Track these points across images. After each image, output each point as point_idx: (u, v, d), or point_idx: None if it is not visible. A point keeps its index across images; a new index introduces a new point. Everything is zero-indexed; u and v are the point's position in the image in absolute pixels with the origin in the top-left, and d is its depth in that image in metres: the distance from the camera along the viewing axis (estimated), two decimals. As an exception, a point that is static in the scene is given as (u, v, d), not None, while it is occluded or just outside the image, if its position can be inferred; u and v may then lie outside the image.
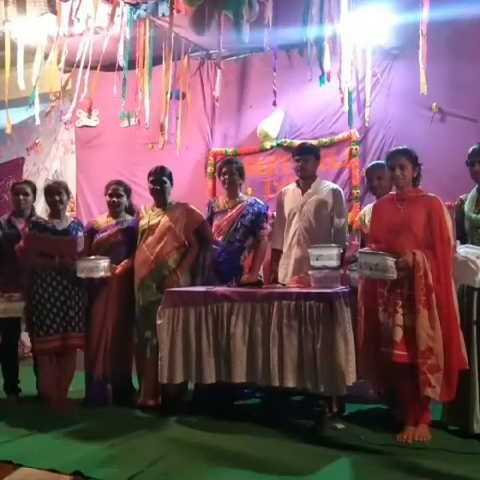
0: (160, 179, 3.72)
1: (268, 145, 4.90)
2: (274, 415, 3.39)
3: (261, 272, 3.92)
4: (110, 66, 4.48)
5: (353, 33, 3.70)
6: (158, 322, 3.32)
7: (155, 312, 3.37)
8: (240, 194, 3.92)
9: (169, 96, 4.36)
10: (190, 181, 5.14)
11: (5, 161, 6.51)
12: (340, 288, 3.10)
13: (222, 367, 3.16)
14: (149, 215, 3.75)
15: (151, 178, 3.74)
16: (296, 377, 2.98)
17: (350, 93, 3.98)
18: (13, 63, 4.30)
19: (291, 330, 2.99)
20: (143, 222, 3.74)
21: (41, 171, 6.08)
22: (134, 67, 4.52)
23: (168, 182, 3.75)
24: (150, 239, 3.66)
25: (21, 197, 3.98)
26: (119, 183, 3.91)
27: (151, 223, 3.70)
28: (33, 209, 4.08)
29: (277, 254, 3.84)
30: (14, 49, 4.30)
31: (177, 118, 4.83)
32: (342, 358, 2.85)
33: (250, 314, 3.12)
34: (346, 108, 3.96)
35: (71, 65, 4.51)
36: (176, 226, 3.66)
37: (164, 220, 3.69)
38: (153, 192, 3.76)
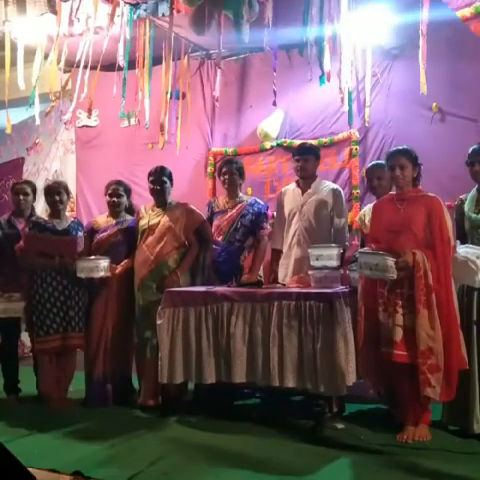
0: (160, 179, 3.72)
1: (268, 145, 4.90)
2: (274, 415, 3.39)
3: (261, 272, 3.92)
4: (110, 66, 4.47)
5: (353, 33, 3.69)
6: (158, 322, 3.32)
7: (155, 312, 3.37)
8: (240, 194, 3.91)
9: (169, 96, 4.36)
10: (190, 181, 5.13)
11: (5, 161, 6.51)
12: (340, 288, 3.10)
13: (222, 367, 3.16)
14: (149, 215, 3.75)
15: (151, 178, 3.74)
16: (296, 377, 2.98)
17: (350, 93, 3.97)
18: (13, 63, 4.29)
19: (291, 330, 2.99)
20: (143, 222, 3.74)
21: (41, 171, 6.07)
22: (134, 67, 4.51)
23: (168, 182, 3.74)
24: (150, 239, 3.66)
25: (21, 197, 3.97)
26: (119, 183, 3.90)
27: (151, 223, 3.70)
28: (33, 209, 4.07)
29: (277, 254, 3.83)
30: (14, 49, 4.29)
31: (177, 118, 4.83)
32: (342, 358, 2.85)
33: (250, 314, 3.12)
34: (346, 108, 3.95)
35: (71, 65, 4.52)
36: (176, 226, 3.66)
37: (164, 220, 3.69)
38: (153, 192, 3.76)
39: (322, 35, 3.51)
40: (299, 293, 3.05)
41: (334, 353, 2.86)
